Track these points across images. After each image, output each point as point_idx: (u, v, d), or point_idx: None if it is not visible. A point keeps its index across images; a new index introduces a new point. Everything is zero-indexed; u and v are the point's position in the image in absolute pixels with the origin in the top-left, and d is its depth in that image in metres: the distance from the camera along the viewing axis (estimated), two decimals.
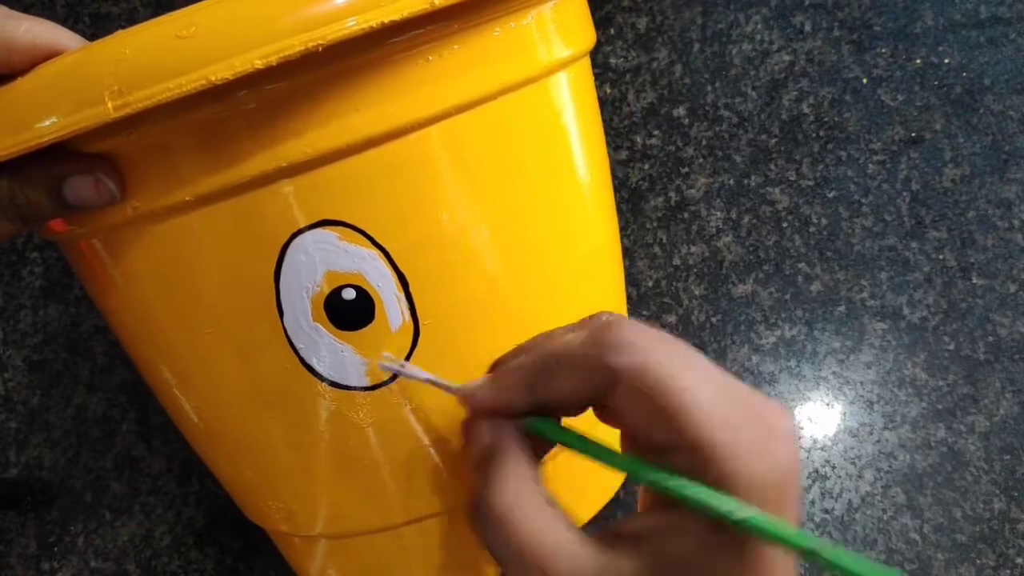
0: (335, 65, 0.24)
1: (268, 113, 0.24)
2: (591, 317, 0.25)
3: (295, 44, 0.22)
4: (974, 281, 0.48)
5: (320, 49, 0.22)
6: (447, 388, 0.26)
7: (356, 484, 0.30)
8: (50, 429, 0.49)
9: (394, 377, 0.28)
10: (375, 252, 0.26)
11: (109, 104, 0.22)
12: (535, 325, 0.28)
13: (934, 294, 0.48)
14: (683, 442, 0.20)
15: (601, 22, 0.52)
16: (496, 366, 0.27)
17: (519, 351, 0.26)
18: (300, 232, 0.25)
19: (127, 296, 0.28)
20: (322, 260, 0.26)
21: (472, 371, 0.28)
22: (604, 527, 0.23)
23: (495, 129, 0.27)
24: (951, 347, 0.47)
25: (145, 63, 0.22)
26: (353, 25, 0.22)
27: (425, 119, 0.25)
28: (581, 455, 0.24)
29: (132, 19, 0.53)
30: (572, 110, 0.30)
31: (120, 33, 0.22)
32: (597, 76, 0.51)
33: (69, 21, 0.54)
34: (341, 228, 0.26)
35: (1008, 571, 0.44)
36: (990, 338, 0.47)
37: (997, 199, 0.48)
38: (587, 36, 0.31)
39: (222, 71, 0.22)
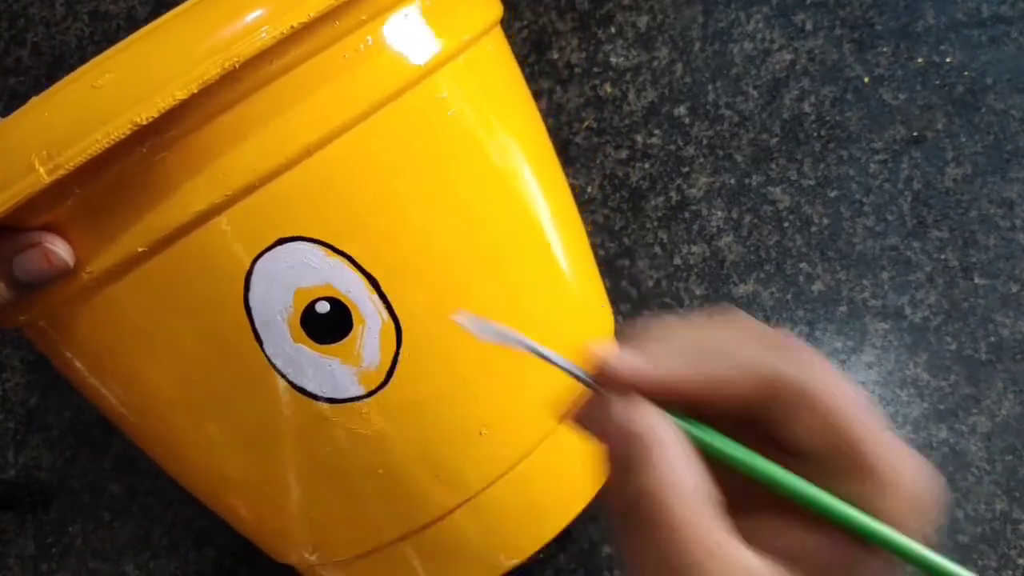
0: (255, 81, 0.24)
1: (201, 145, 0.24)
2: (718, 314, 0.22)
3: (212, 68, 0.22)
4: (976, 281, 0.47)
5: (237, 67, 0.22)
6: (578, 374, 0.21)
7: (367, 499, 0.30)
8: (48, 430, 0.49)
9: (387, 379, 0.27)
10: (338, 259, 0.26)
11: (41, 170, 0.21)
12: (510, 299, 0.28)
13: (936, 294, 0.47)
14: (861, 466, 0.20)
15: (602, 21, 0.51)
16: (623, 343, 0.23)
17: (660, 335, 0.22)
18: (260, 256, 0.25)
19: (103, 367, 0.28)
20: (289, 280, 0.26)
21: (461, 355, 0.28)
22: (755, 545, 0.22)
23: (421, 115, 0.27)
24: (953, 347, 0.47)
25: (68, 121, 0.21)
26: (265, 35, 0.22)
27: (354, 118, 0.25)
28: (736, 468, 0.21)
29: (130, 17, 0.53)
30: (492, 82, 0.30)
31: (34, 100, 0.22)
32: (597, 75, 0.51)
33: (68, 19, 0.54)
34: (300, 243, 0.25)
35: (1010, 572, 0.44)
36: (992, 338, 0.47)
37: (999, 198, 0.48)
38: (488, 11, 0.31)
39: (146, 110, 0.21)
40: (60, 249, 0.23)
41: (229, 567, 0.47)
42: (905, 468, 0.20)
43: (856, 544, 0.20)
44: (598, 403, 0.22)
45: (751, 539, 0.21)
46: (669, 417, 0.21)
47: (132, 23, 0.53)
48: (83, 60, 0.57)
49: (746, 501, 0.22)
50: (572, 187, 0.50)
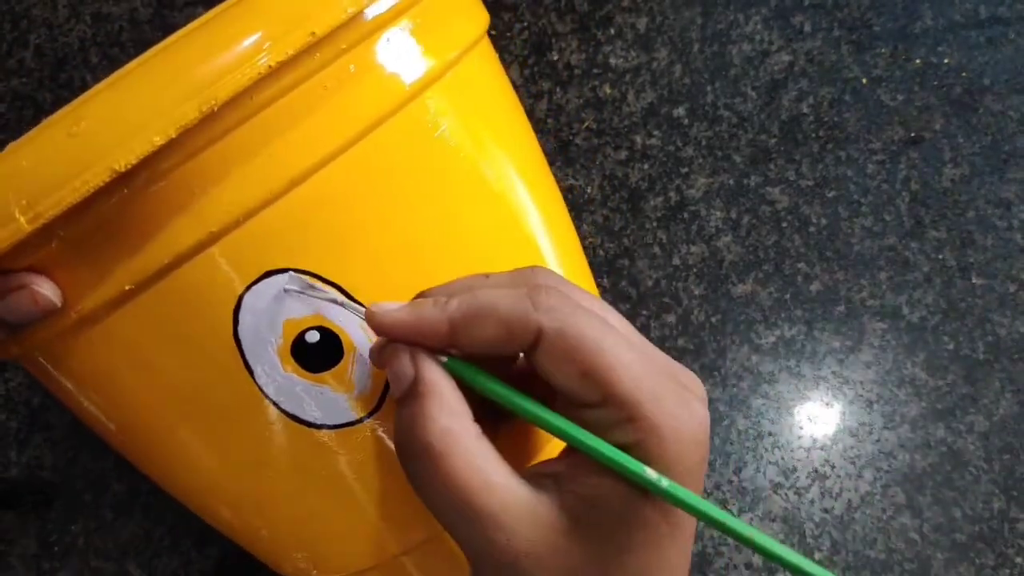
0: (236, 117, 0.23)
1: (183, 183, 0.24)
2: (522, 270, 0.25)
3: (189, 111, 0.21)
4: (973, 281, 0.48)
5: (216, 108, 0.22)
6: (354, 310, 0.25)
7: (367, 517, 0.30)
8: (51, 429, 0.49)
9: (381, 402, 0.27)
10: (329, 289, 0.26)
11: (21, 219, 0.21)
12: None
13: (933, 294, 0.48)
14: (609, 399, 0.21)
15: (601, 22, 0.52)
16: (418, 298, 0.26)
17: (446, 290, 0.25)
18: (248, 289, 0.25)
19: (97, 398, 0.28)
20: (277, 311, 0.25)
21: None
22: (527, 468, 0.24)
23: (408, 139, 0.27)
24: (950, 347, 0.47)
25: (45, 169, 0.21)
26: (243, 76, 0.22)
27: (339, 147, 0.25)
28: (502, 405, 0.23)
29: (132, 19, 0.54)
30: (480, 97, 0.30)
31: (11, 146, 0.22)
32: (597, 76, 0.51)
33: (71, 21, 0.54)
34: (288, 275, 0.25)
35: (1007, 570, 0.44)
36: (989, 338, 0.47)
37: (996, 199, 0.48)
38: (474, 24, 0.31)
39: (124, 157, 0.21)
40: (47, 290, 0.24)
41: (231, 566, 0.47)
42: (668, 414, 0.21)
43: (629, 487, 0.22)
44: (382, 344, 0.25)
45: (550, 473, 0.23)
46: (438, 361, 0.24)
47: (134, 25, 0.54)
48: (85, 62, 0.57)
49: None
50: (572, 187, 0.50)
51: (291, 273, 0.25)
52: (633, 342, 0.23)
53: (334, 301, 0.25)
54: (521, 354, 0.23)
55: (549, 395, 0.23)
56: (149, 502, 0.48)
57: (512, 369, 0.25)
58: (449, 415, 0.23)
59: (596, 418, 0.22)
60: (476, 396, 0.24)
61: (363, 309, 0.25)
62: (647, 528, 0.22)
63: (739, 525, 0.21)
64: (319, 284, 0.26)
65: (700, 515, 0.21)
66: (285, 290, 0.25)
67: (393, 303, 0.24)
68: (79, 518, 0.48)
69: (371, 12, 0.25)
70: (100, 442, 0.49)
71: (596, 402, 0.22)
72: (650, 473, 0.21)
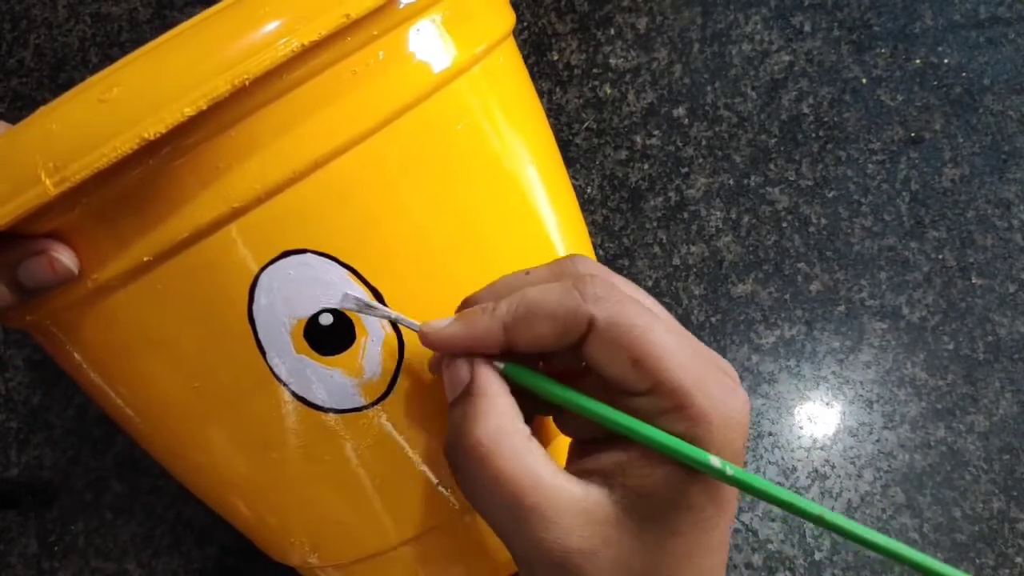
0: (265, 95, 0.24)
1: (208, 157, 0.24)
2: (562, 261, 0.25)
3: (221, 84, 0.22)
4: (973, 281, 0.48)
5: (247, 84, 0.22)
6: (412, 326, 0.25)
7: (370, 505, 0.30)
8: (51, 428, 0.49)
9: (389, 390, 0.27)
10: (344, 272, 0.26)
11: (47, 182, 0.21)
12: None
13: (933, 294, 0.48)
14: (657, 386, 0.22)
15: (601, 22, 0.52)
16: (465, 305, 0.26)
17: (491, 292, 0.25)
18: (265, 268, 0.25)
19: (107, 370, 0.28)
20: (292, 292, 0.26)
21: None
22: (573, 463, 0.24)
23: (431, 129, 0.27)
24: (950, 347, 0.47)
25: (75, 134, 0.21)
26: (275, 53, 0.22)
27: (363, 132, 0.25)
28: (556, 403, 0.24)
29: (132, 19, 0.54)
30: (502, 93, 0.30)
31: (42, 109, 0.22)
32: (597, 76, 0.51)
33: (71, 22, 0.54)
34: (305, 256, 0.25)
35: (1007, 571, 0.44)
36: (989, 338, 0.47)
37: (996, 199, 0.48)
38: (502, 21, 0.31)
39: (154, 126, 0.21)
40: (65, 257, 0.24)
41: (232, 565, 0.47)
42: (716, 400, 0.22)
43: (677, 473, 0.22)
44: (440, 357, 0.26)
45: (597, 470, 0.23)
46: (495, 367, 0.24)
47: (134, 25, 0.54)
48: (85, 62, 0.57)
49: (599, 438, 0.25)
50: (572, 188, 0.50)
51: (345, 292, 0.26)
52: (677, 330, 0.23)
53: (388, 318, 0.26)
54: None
55: (588, 385, 0.24)
56: (149, 502, 0.48)
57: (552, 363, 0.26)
58: (500, 415, 0.23)
59: (643, 406, 0.22)
60: (531, 403, 0.25)
61: (418, 327, 0.25)
62: (695, 511, 0.22)
63: (808, 504, 0.21)
64: (376, 302, 0.26)
65: (766, 497, 0.21)
66: (341, 307, 0.26)
67: (443, 319, 0.25)
68: (79, 517, 0.48)
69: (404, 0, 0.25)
70: (100, 441, 0.49)
71: (644, 390, 0.22)
72: (714, 461, 0.21)
